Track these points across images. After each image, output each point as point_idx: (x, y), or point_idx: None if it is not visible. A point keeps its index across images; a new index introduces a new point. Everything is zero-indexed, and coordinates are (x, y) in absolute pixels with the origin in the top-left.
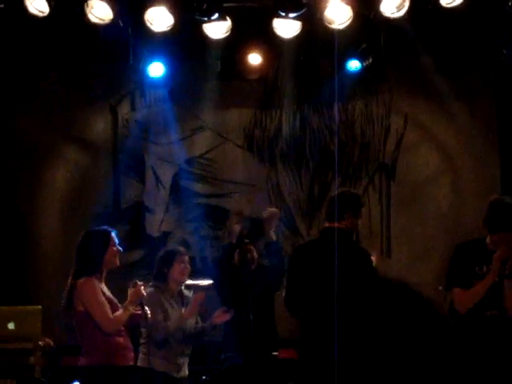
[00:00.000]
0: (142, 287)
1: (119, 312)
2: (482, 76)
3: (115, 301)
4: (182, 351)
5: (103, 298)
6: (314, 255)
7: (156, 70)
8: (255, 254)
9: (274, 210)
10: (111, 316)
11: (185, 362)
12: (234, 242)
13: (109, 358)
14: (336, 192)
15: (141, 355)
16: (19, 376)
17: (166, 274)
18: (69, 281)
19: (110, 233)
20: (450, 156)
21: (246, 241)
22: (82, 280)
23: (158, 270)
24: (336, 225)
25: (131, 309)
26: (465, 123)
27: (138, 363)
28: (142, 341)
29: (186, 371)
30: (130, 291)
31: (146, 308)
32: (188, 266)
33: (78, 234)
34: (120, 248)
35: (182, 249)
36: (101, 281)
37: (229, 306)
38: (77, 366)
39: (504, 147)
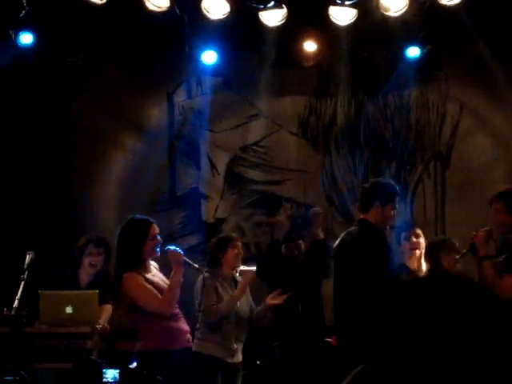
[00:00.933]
0: (174, 249)
1: (166, 291)
2: None
3: (163, 285)
4: (236, 336)
5: (149, 287)
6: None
7: (209, 57)
8: (302, 249)
9: (317, 209)
10: (159, 297)
11: (239, 348)
12: (281, 238)
13: (163, 342)
14: (368, 183)
15: (195, 340)
16: (76, 359)
17: (219, 259)
18: (112, 274)
19: (149, 224)
20: (506, 144)
21: (294, 236)
22: (125, 275)
23: (212, 255)
24: (361, 216)
25: (177, 278)
26: None
27: (194, 348)
28: (197, 325)
29: (239, 357)
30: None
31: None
32: (241, 251)
33: None
34: (160, 239)
35: (234, 234)
36: (145, 271)
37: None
38: (132, 350)
39: None
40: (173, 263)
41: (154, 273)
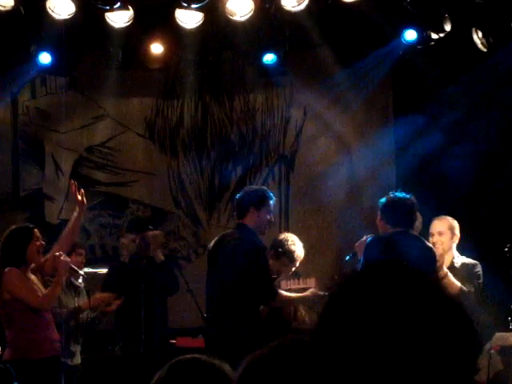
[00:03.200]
0: (62, 256)
1: (48, 288)
2: (378, 67)
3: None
4: (75, 339)
5: (28, 282)
6: None
7: (45, 58)
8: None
9: (154, 232)
10: (40, 294)
11: (77, 350)
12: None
13: (30, 350)
14: (240, 193)
15: None
16: None
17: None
18: None
19: (32, 229)
20: (348, 148)
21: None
22: (6, 269)
23: None
24: (238, 221)
25: (61, 280)
26: (362, 116)
27: None
28: None
29: (79, 359)
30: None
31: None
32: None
33: None
34: (43, 242)
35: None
36: (27, 271)
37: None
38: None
39: (399, 137)
40: (60, 268)
41: (33, 279)
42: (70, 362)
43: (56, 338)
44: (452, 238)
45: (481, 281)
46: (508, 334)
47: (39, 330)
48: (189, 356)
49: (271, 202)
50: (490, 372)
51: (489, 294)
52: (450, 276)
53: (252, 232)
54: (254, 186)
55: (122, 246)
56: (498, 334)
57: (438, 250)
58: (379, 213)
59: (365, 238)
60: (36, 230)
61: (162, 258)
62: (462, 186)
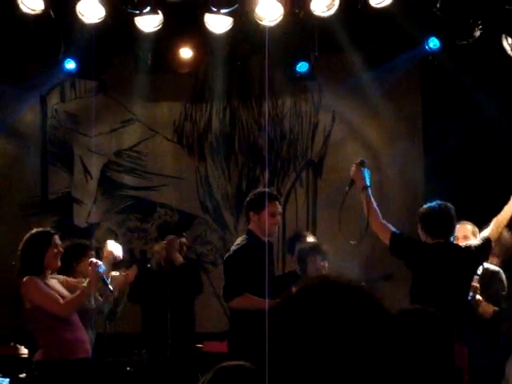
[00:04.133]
0: (97, 263)
1: (72, 295)
2: (409, 76)
3: (64, 294)
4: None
5: (48, 289)
6: None
7: (70, 65)
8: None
9: (170, 237)
10: (61, 301)
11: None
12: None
13: (61, 352)
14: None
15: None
16: None
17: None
18: (13, 280)
19: (51, 235)
20: (376, 154)
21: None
22: (24, 279)
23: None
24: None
25: (87, 289)
26: (391, 122)
27: None
28: None
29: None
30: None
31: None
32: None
33: (4, 223)
34: (61, 249)
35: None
36: (45, 278)
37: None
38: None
39: (428, 147)
40: (90, 274)
41: (54, 283)
42: None
43: (85, 339)
44: None
45: (505, 287)
46: None
47: (67, 331)
48: (235, 362)
49: (272, 202)
50: None
51: None
52: (483, 301)
53: (254, 236)
54: (254, 190)
55: (154, 252)
56: None
57: None
58: (419, 223)
59: (358, 161)
60: (56, 236)
61: (181, 260)
62: (491, 191)
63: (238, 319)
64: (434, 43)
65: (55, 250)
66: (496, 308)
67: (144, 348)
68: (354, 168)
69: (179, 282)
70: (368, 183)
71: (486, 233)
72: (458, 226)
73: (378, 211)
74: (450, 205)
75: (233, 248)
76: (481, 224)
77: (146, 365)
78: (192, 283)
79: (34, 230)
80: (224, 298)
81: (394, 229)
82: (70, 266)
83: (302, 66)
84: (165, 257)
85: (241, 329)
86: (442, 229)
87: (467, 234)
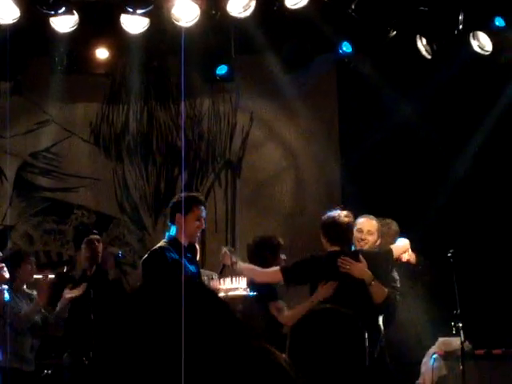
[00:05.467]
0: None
1: None
2: (325, 78)
3: None
4: (31, 345)
5: None
6: None
7: None
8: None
9: (111, 249)
10: None
11: (32, 357)
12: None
13: None
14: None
15: None
16: None
17: (13, 273)
18: None
19: None
20: (293, 154)
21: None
22: None
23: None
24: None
25: None
26: (308, 123)
27: None
28: None
29: (33, 366)
30: None
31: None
32: (34, 267)
33: None
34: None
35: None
36: None
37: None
38: None
39: (344, 147)
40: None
41: None
42: (26, 369)
43: None
44: (377, 240)
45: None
46: (452, 339)
47: None
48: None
49: (200, 207)
50: (434, 376)
51: (433, 298)
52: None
53: (173, 239)
54: (182, 193)
55: (78, 262)
56: (441, 339)
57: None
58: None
59: (224, 250)
60: None
61: (117, 275)
62: (407, 191)
63: None
64: (346, 47)
65: None
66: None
67: (65, 351)
68: (223, 255)
69: (102, 287)
70: (234, 259)
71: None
72: (363, 220)
73: (255, 267)
74: (347, 213)
75: (150, 250)
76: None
77: (67, 368)
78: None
79: None
80: None
81: (276, 267)
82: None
83: (221, 69)
84: (90, 257)
85: None
86: (336, 237)
87: (372, 230)
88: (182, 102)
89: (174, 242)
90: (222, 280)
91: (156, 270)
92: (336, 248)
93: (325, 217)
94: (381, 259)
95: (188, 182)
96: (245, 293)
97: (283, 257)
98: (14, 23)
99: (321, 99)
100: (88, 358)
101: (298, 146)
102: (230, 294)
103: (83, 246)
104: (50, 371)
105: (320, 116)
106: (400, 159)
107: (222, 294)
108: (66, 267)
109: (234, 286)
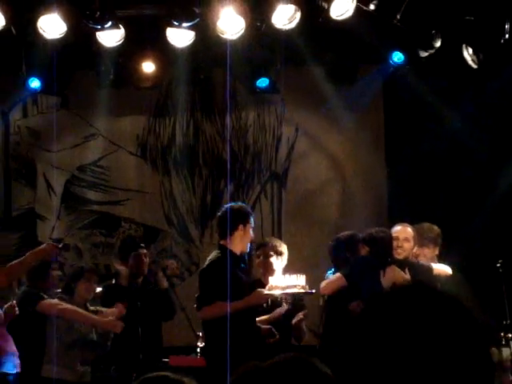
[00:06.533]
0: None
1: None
2: (371, 88)
3: None
4: (82, 359)
5: None
6: None
7: (35, 84)
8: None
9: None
10: None
11: (86, 370)
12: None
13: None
14: (223, 208)
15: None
16: None
17: (73, 288)
18: None
19: None
20: (339, 165)
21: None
22: None
23: (67, 282)
24: (221, 242)
25: (29, 260)
26: (354, 133)
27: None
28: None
29: (88, 378)
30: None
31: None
32: (93, 286)
33: None
34: None
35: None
36: None
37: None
38: None
39: (390, 157)
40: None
41: None
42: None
43: (17, 353)
44: (414, 246)
45: None
46: (500, 350)
47: (4, 341)
48: (157, 373)
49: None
50: None
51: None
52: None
53: (227, 250)
54: (234, 204)
55: (120, 271)
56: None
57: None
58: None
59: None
60: None
61: (166, 285)
62: (454, 201)
63: (210, 333)
64: (398, 57)
65: None
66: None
67: (112, 365)
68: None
69: (155, 303)
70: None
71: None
72: (399, 228)
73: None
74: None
75: (208, 260)
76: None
77: (114, 381)
78: (169, 309)
79: None
80: (196, 308)
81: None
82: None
83: (262, 82)
84: (135, 270)
85: (215, 343)
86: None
87: (408, 237)
88: (228, 114)
89: (229, 252)
90: (280, 277)
91: (216, 281)
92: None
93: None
94: (423, 270)
95: (234, 194)
96: (303, 290)
97: None
98: (60, 38)
99: (367, 109)
100: (136, 371)
101: (344, 156)
102: (288, 291)
103: (131, 259)
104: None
105: (366, 126)
106: (447, 169)
107: (279, 292)
108: (114, 280)
109: (293, 283)
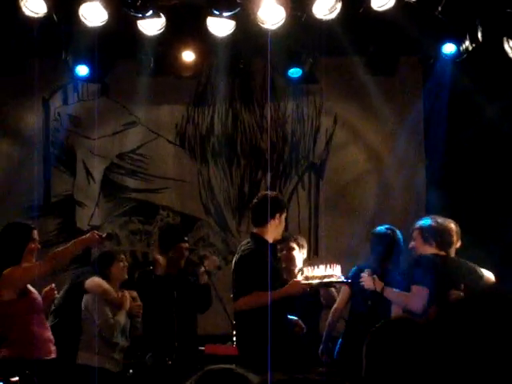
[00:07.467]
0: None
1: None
2: (410, 78)
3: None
4: (121, 347)
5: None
6: None
7: (83, 70)
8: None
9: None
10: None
11: (121, 358)
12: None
13: (30, 350)
14: (259, 196)
15: (81, 353)
16: None
17: (107, 274)
18: None
19: (31, 229)
20: (378, 156)
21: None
22: (6, 271)
23: (100, 270)
24: (255, 230)
25: (72, 249)
26: (392, 125)
27: (80, 361)
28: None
29: (119, 367)
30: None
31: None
32: (126, 264)
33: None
34: (39, 246)
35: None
36: None
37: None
38: None
39: (429, 148)
40: (88, 241)
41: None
42: (115, 370)
43: (52, 339)
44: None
45: None
46: None
47: (40, 328)
48: (221, 366)
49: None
50: None
51: None
52: None
53: (261, 239)
54: (269, 192)
55: (158, 260)
56: None
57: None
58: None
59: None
60: (35, 231)
61: (206, 280)
62: (493, 194)
63: (244, 324)
64: (449, 49)
65: (33, 245)
66: None
67: (148, 352)
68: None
69: (192, 296)
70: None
71: None
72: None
73: (400, 293)
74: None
75: (243, 250)
76: (480, 228)
77: (150, 368)
78: (206, 302)
79: (12, 222)
80: (233, 299)
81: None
82: (104, 274)
83: (295, 72)
84: (175, 262)
85: (248, 333)
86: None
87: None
88: (268, 104)
89: (264, 241)
90: (315, 267)
91: (253, 271)
92: (443, 253)
93: (434, 222)
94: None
95: (271, 184)
96: (339, 280)
97: None
98: (102, 26)
99: (406, 101)
100: (171, 358)
101: (382, 148)
102: (326, 280)
103: (172, 251)
104: (133, 371)
105: (405, 118)
106: (486, 162)
107: (316, 281)
108: (152, 267)
109: (329, 273)
